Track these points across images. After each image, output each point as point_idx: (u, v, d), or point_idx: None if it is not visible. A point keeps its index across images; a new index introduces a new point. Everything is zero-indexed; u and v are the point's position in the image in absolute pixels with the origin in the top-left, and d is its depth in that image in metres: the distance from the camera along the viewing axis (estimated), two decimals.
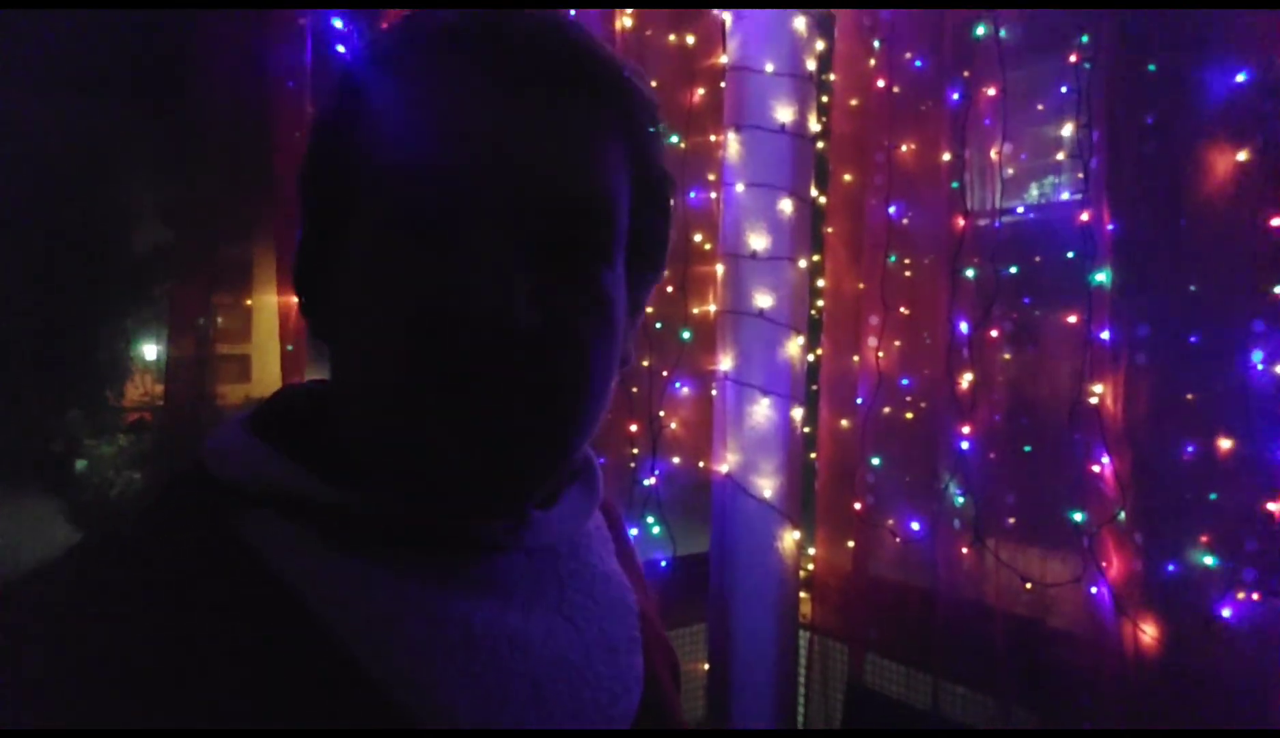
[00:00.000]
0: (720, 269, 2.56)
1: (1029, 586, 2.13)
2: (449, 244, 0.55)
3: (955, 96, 2.27)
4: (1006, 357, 2.32)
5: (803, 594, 2.68)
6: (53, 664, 0.47)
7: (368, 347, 0.57)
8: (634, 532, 2.49)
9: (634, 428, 2.47)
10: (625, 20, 2.44)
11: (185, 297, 2.05)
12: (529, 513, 0.65)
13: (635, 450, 2.49)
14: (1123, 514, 1.96)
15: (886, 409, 2.51)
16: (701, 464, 2.63)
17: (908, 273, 2.50)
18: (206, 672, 0.49)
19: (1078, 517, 2.05)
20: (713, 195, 2.61)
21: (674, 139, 2.51)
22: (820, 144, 2.68)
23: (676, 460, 2.62)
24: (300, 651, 0.53)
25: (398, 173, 0.56)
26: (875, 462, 2.47)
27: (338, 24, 1.95)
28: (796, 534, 2.53)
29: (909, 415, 2.45)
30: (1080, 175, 2.05)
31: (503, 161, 0.55)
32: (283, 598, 0.54)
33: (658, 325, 2.52)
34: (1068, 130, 2.09)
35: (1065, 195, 2.34)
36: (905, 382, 2.47)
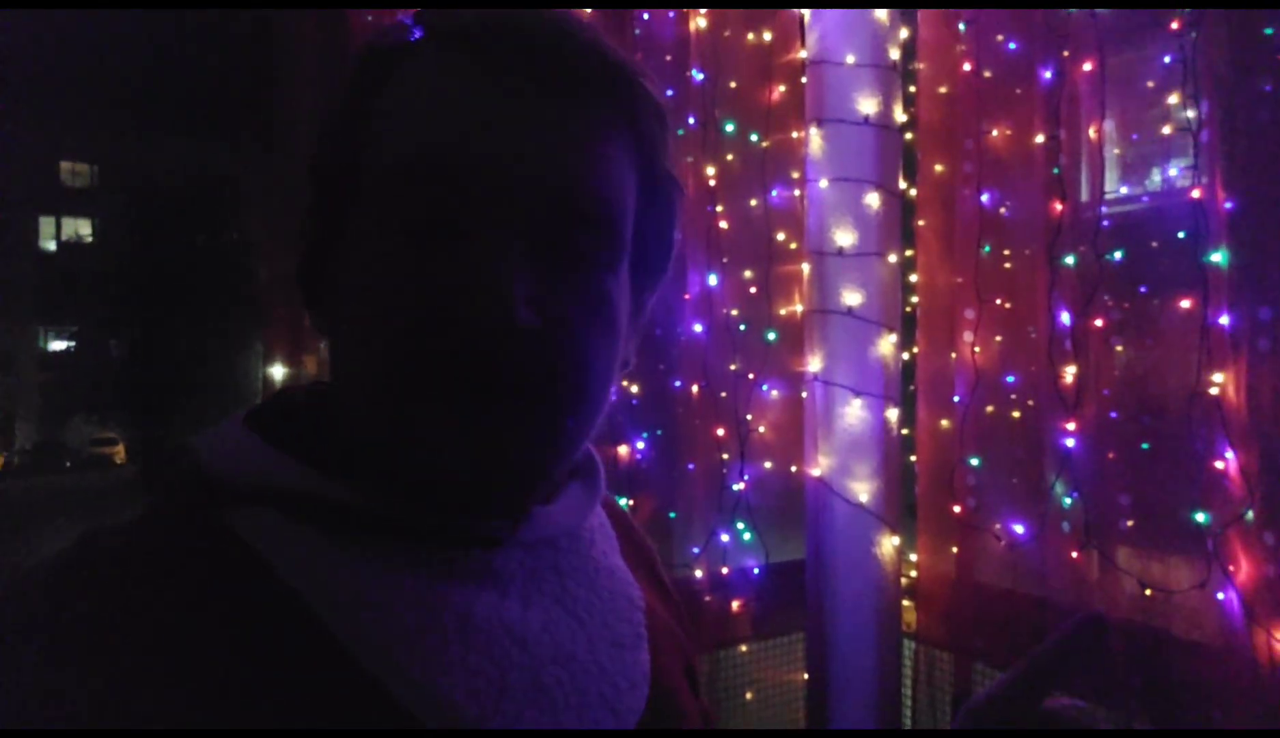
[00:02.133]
0: (806, 268, 2.50)
1: (1149, 592, 1.99)
2: (450, 242, 0.55)
3: (1048, 76, 2.15)
4: (1119, 348, 2.18)
5: (905, 602, 2.59)
6: (45, 661, 0.48)
7: (368, 343, 0.57)
8: (725, 538, 2.46)
9: (721, 432, 2.44)
10: (700, 20, 2.41)
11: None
12: (528, 508, 0.64)
13: (724, 456, 2.46)
14: (1250, 513, 1.81)
15: (988, 408, 2.40)
16: (794, 468, 2.57)
17: (1007, 264, 2.39)
18: (200, 665, 0.49)
19: (1200, 517, 1.90)
20: (796, 193, 2.55)
21: (754, 137, 2.47)
22: (908, 135, 2.59)
23: (767, 465, 2.57)
24: (295, 643, 0.53)
25: (401, 170, 0.56)
26: (975, 463, 2.36)
27: None
28: (895, 540, 2.44)
29: (1012, 414, 2.33)
30: (1190, 151, 1.91)
31: (506, 161, 0.55)
32: (276, 591, 0.54)
33: (742, 328, 2.48)
34: (1174, 103, 1.95)
35: (1174, 173, 2.18)
36: (1007, 378, 2.35)
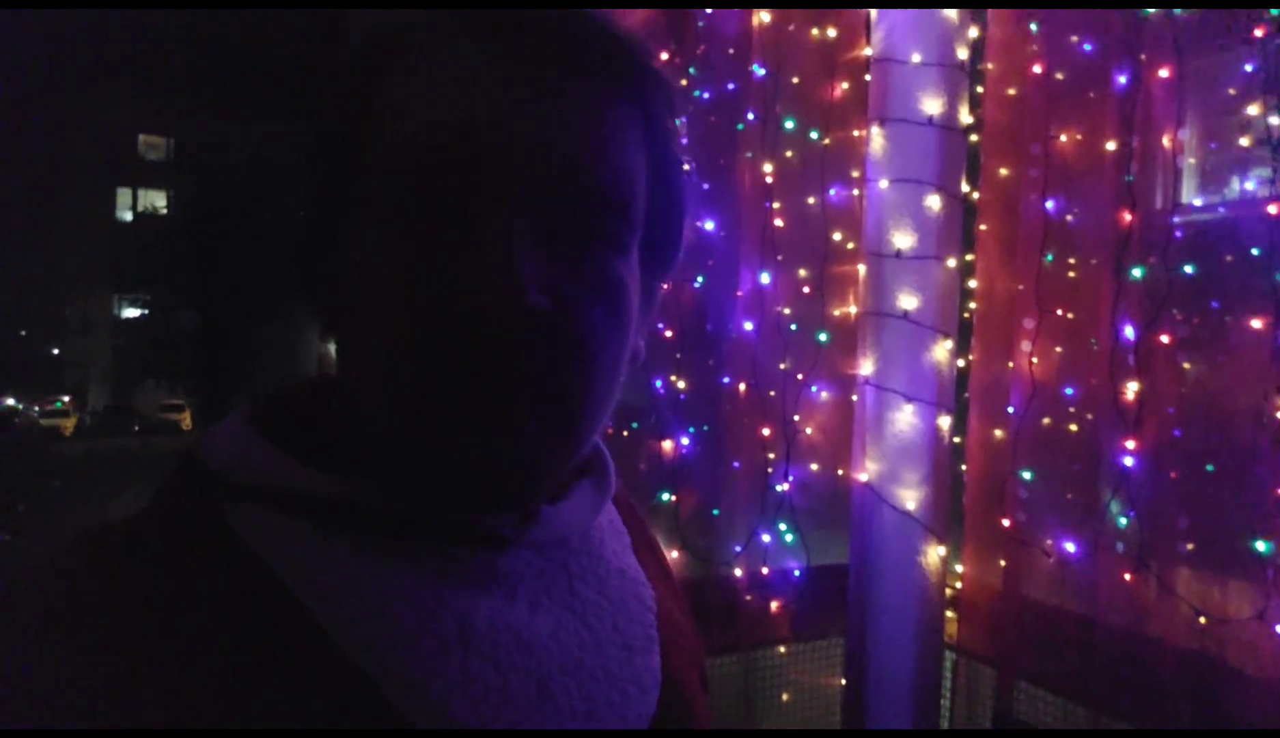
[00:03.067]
0: (862, 269, 2.46)
1: (1203, 619, 1.93)
2: (458, 223, 0.53)
3: (1123, 80, 2.08)
4: (1186, 365, 2.11)
5: (949, 614, 2.55)
6: (43, 654, 0.48)
7: (376, 333, 0.55)
8: (766, 538, 2.44)
9: (767, 432, 2.42)
10: (763, 15, 2.38)
11: None
12: (538, 507, 0.62)
13: (770, 455, 2.44)
14: None
15: (1044, 420, 2.34)
16: (841, 472, 2.54)
17: (1071, 274, 2.32)
18: (193, 664, 0.49)
19: (1261, 546, 1.83)
20: (855, 192, 2.51)
21: (814, 134, 2.44)
22: (973, 137, 2.53)
23: (814, 467, 2.54)
24: (288, 642, 0.52)
25: (406, 151, 0.55)
26: (1027, 476, 2.30)
27: None
28: (942, 550, 2.39)
29: (1068, 428, 2.27)
30: (1269, 163, 1.83)
31: (515, 141, 0.53)
32: (272, 589, 0.53)
33: (793, 327, 2.45)
34: (1255, 114, 1.87)
35: (1251, 185, 2.09)
36: (1065, 391, 2.28)
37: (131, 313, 33.77)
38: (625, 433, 2.39)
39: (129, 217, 33.93)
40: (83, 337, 33.47)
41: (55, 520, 11.13)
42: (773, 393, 2.50)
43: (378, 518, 0.57)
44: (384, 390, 0.54)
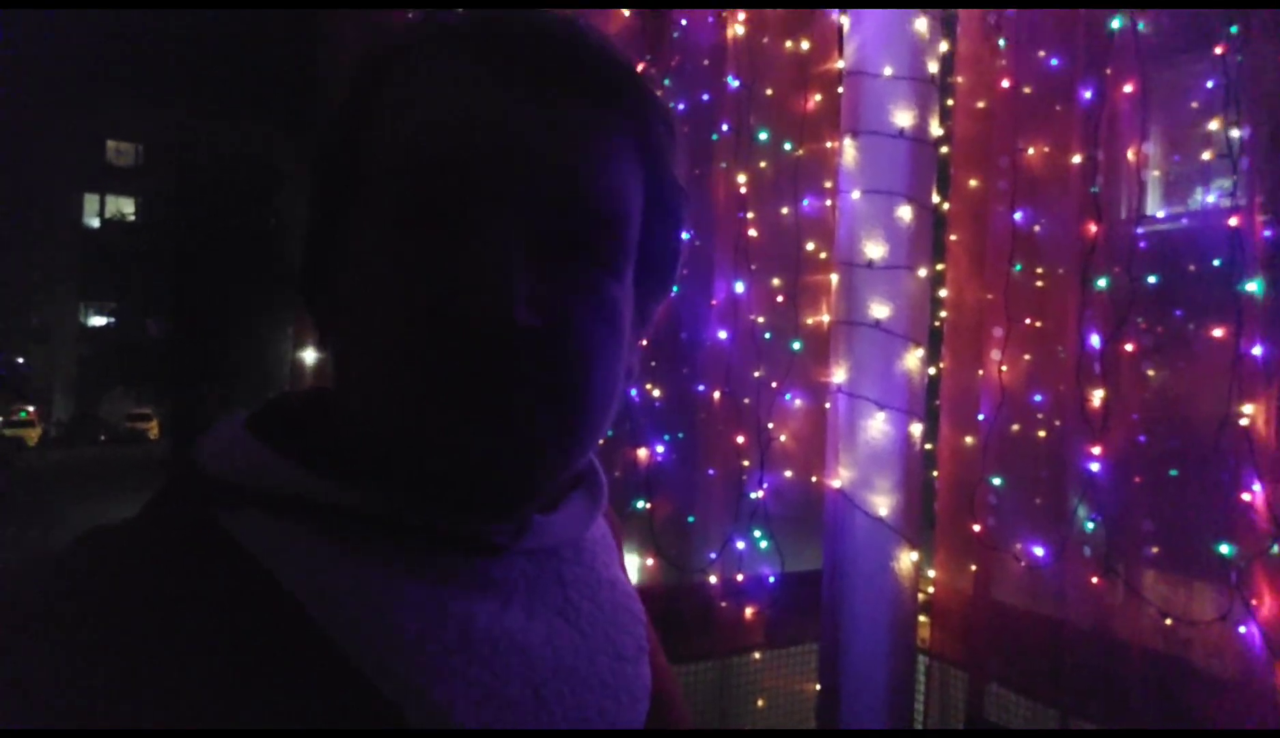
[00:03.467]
0: (835, 278, 2.49)
1: (1169, 621, 1.97)
2: (451, 235, 0.54)
3: (1088, 95, 2.13)
4: (1150, 373, 2.16)
5: (922, 618, 2.58)
6: (41, 657, 0.47)
7: (368, 341, 0.56)
8: (740, 545, 2.46)
9: (741, 440, 2.44)
10: (738, 27, 2.41)
11: None
12: (530, 517, 0.63)
13: (745, 463, 2.46)
14: (1277, 548, 1.78)
15: (1013, 427, 2.38)
16: (815, 479, 2.56)
17: (1039, 283, 2.36)
18: (192, 669, 0.49)
19: (1225, 549, 1.88)
20: (828, 203, 2.54)
21: (787, 146, 2.47)
22: (944, 149, 2.57)
23: (787, 474, 2.56)
24: (290, 648, 0.52)
25: (403, 161, 0.55)
26: (997, 482, 2.34)
27: None
28: (914, 555, 2.42)
29: (1037, 434, 2.31)
30: (1230, 177, 1.88)
31: (511, 154, 0.54)
32: (273, 595, 0.53)
33: (767, 336, 2.48)
34: (1215, 128, 1.93)
35: (1212, 198, 2.15)
36: (1033, 398, 2.33)
37: (98, 321, 33.30)
38: (600, 441, 2.40)
39: (96, 223, 33.47)
40: (47, 345, 32.92)
41: (18, 531, 10.93)
42: (747, 401, 2.52)
43: (376, 524, 0.56)
44: (383, 392, 0.55)
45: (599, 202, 0.57)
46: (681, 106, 2.49)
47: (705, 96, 2.46)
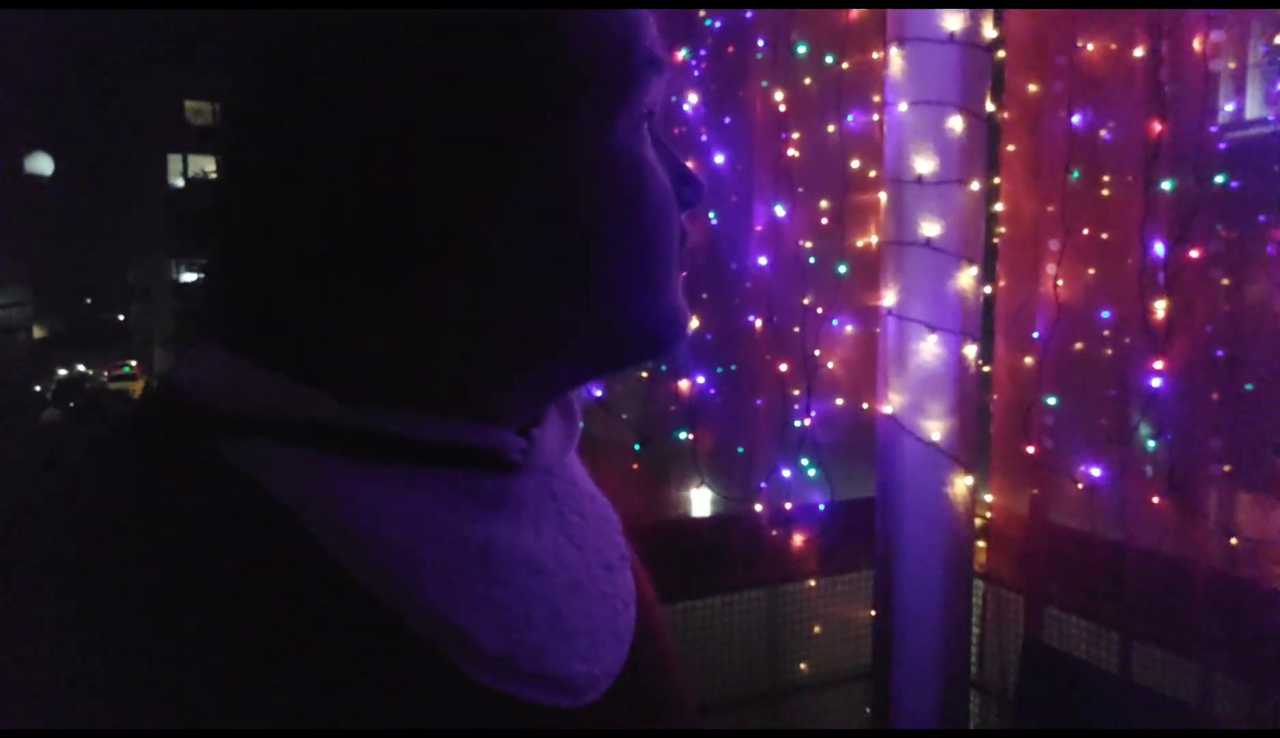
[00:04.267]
0: (883, 197, 2.40)
1: (1234, 540, 1.87)
2: (652, 128, 0.60)
3: None
4: (1225, 281, 2.03)
5: (979, 543, 2.52)
6: (60, 600, 0.45)
7: (603, 232, 0.57)
8: (787, 474, 2.43)
9: (787, 367, 2.39)
10: None
11: None
12: (531, 433, 0.61)
13: (795, 391, 2.41)
14: None
15: (1076, 345, 2.27)
16: (866, 405, 2.51)
17: (1102, 191, 2.23)
18: (220, 613, 0.46)
19: None
20: (875, 118, 2.44)
21: (829, 59, 2.36)
22: (999, 53, 2.43)
23: (837, 401, 2.51)
24: (313, 580, 0.49)
25: (621, 59, 0.57)
26: (1051, 402, 2.25)
27: None
28: (969, 480, 2.36)
29: (1097, 351, 2.20)
30: None
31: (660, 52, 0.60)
32: (290, 527, 0.50)
33: (811, 260, 2.41)
34: None
35: None
36: (1095, 314, 2.21)
37: (189, 277, 34.56)
38: (644, 374, 2.39)
39: (180, 183, 34.56)
40: (145, 302, 34.39)
41: None
42: (796, 328, 2.47)
43: (390, 446, 0.53)
44: (598, 291, 0.57)
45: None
46: (719, 24, 2.41)
47: (741, 13, 2.36)
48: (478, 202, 0.53)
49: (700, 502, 2.57)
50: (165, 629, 0.44)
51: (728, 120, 2.35)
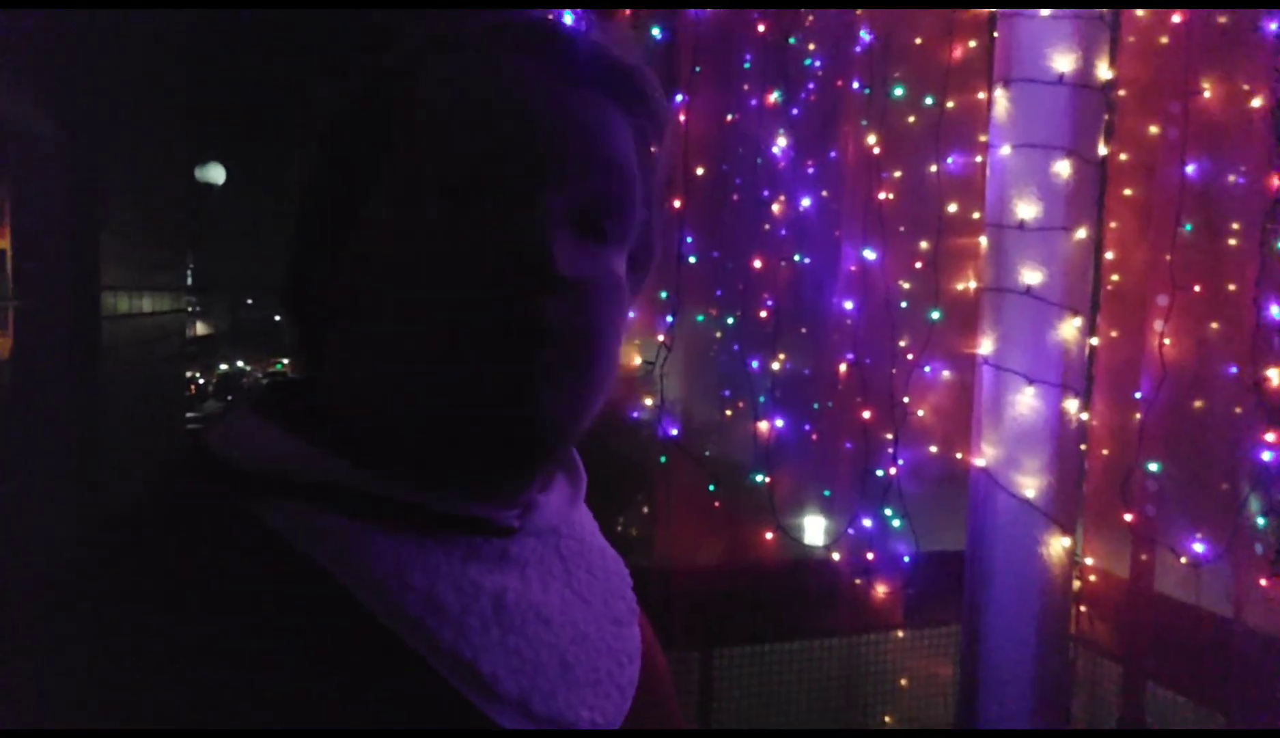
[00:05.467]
0: (983, 241, 2.32)
1: None
2: (499, 206, 0.57)
3: (1275, 26, 1.83)
4: None
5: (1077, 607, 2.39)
6: (94, 649, 0.48)
7: (401, 308, 0.57)
8: (868, 523, 2.37)
9: (873, 414, 2.34)
10: None
11: None
12: (534, 498, 0.66)
13: (876, 437, 2.35)
14: None
15: (1181, 407, 2.13)
16: (960, 456, 2.42)
17: (1219, 245, 2.08)
18: (254, 660, 0.49)
19: None
20: (978, 159, 2.36)
21: (929, 100, 2.30)
22: (1120, 92, 2.32)
23: (929, 449, 2.43)
24: (340, 629, 0.53)
25: (457, 137, 0.58)
26: (1153, 468, 2.11)
27: (568, 18, 2.03)
28: (1065, 541, 2.24)
29: (1204, 416, 2.05)
30: None
31: (568, 140, 0.59)
32: (320, 582, 0.54)
33: (903, 304, 2.35)
34: None
35: None
36: (1204, 376, 2.06)
37: None
38: (728, 413, 2.39)
39: None
40: None
41: None
42: (892, 372, 2.41)
43: (404, 510, 0.58)
44: (409, 357, 0.57)
45: (625, 186, 0.62)
46: (818, 63, 2.38)
47: (835, 54, 2.33)
48: (339, 267, 0.62)
49: (814, 530, 2.52)
50: (208, 666, 0.48)
51: (819, 162, 2.32)
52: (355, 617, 0.54)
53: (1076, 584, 2.36)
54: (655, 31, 2.15)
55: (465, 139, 0.58)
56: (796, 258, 2.30)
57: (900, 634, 2.56)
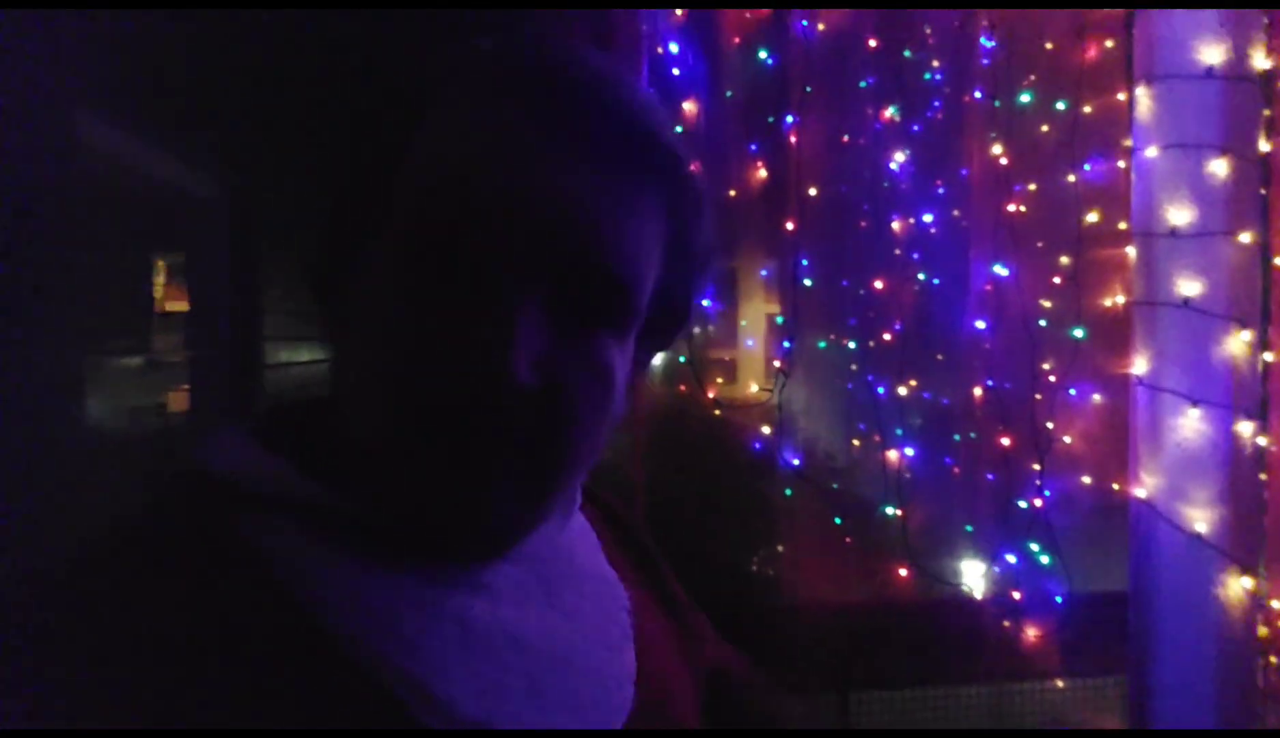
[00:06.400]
0: (1130, 252, 2.13)
1: None
2: (472, 288, 0.54)
3: None
4: None
5: (1268, 659, 2.11)
6: (76, 660, 0.48)
7: (374, 364, 0.57)
8: (1012, 558, 2.19)
9: (1007, 441, 2.17)
10: None
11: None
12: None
13: (1036, 467, 2.18)
14: None
15: None
16: (1116, 486, 2.21)
17: None
18: (210, 669, 0.50)
19: None
20: (1120, 164, 2.18)
21: (1061, 105, 2.16)
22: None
23: (1084, 480, 2.24)
24: (297, 646, 0.53)
25: (434, 194, 0.56)
26: None
27: (674, 47, 2.04)
28: (1246, 581, 1.99)
29: None
30: None
31: (540, 209, 0.54)
32: (280, 594, 0.54)
33: (1042, 323, 2.18)
34: None
35: None
36: None
37: None
38: (856, 442, 2.28)
39: None
40: None
41: None
42: (1035, 396, 2.24)
43: (374, 531, 0.58)
44: (376, 417, 0.56)
45: (620, 269, 0.57)
46: (939, 76, 2.29)
47: (955, 63, 2.23)
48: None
49: (971, 572, 2.36)
50: (162, 661, 0.49)
51: (943, 177, 2.22)
52: (308, 635, 0.53)
53: (1263, 631, 2.09)
54: (763, 54, 2.12)
55: (444, 213, 0.55)
56: (921, 277, 2.19)
57: (1059, 684, 2.34)
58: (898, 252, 2.16)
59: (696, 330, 2.16)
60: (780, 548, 2.27)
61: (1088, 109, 2.21)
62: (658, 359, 2.09)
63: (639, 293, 0.59)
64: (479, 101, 0.57)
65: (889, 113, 2.17)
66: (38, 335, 1.65)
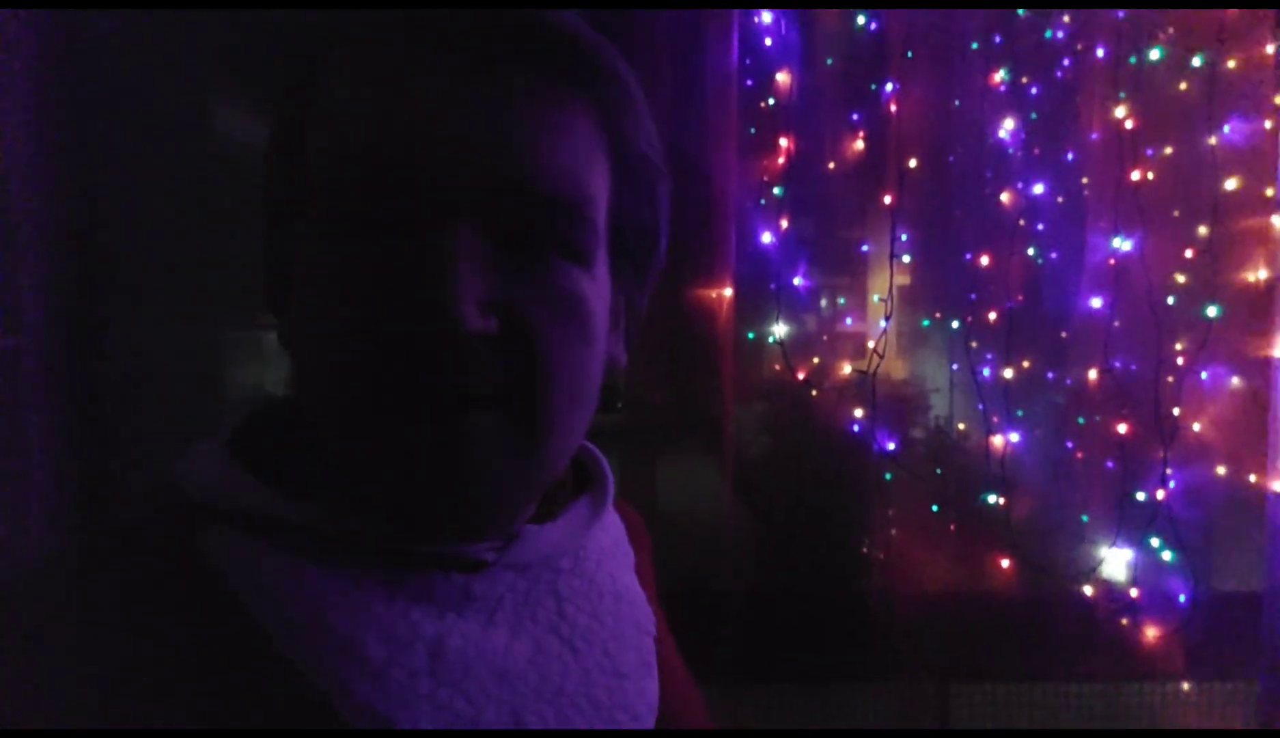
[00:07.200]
0: (1277, 221, 1.94)
1: None
2: (397, 236, 0.50)
3: None
4: None
5: None
6: (29, 666, 0.48)
7: (320, 354, 0.53)
8: (1130, 554, 2.04)
9: (1123, 427, 2.02)
10: None
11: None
12: (512, 528, 0.60)
13: (1144, 453, 2.03)
14: None
15: None
16: (1253, 478, 2.03)
17: None
18: (159, 691, 0.48)
19: None
20: (1267, 124, 1.98)
21: (1197, 61, 1.97)
22: None
23: (1219, 471, 2.06)
24: (257, 674, 0.50)
25: (339, 165, 0.51)
26: None
27: (766, 18, 1.96)
28: None
29: None
30: None
31: (445, 143, 0.50)
32: (236, 615, 0.51)
33: (1170, 300, 2.01)
34: None
35: None
36: None
37: None
38: (961, 426, 2.17)
39: None
40: None
41: None
42: (1166, 379, 2.07)
43: (348, 544, 0.54)
44: (332, 414, 0.53)
45: (555, 184, 0.52)
46: (1062, 34, 2.12)
47: (1076, 21, 2.06)
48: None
49: (1115, 562, 2.21)
50: (111, 665, 0.48)
51: (1061, 144, 2.05)
52: (263, 660, 0.50)
53: None
54: (861, 20, 2.01)
55: (345, 165, 0.50)
56: (1032, 252, 2.05)
57: (1185, 686, 2.18)
58: (1002, 223, 2.02)
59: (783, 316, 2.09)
60: (872, 532, 2.20)
61: (1231, 64, 2.00)
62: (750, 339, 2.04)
63: (584, 204, 0.54)
64: (368, 45, 0.53)
65: (998, 76, 2.02)
66: (169, 315, 1.75)
